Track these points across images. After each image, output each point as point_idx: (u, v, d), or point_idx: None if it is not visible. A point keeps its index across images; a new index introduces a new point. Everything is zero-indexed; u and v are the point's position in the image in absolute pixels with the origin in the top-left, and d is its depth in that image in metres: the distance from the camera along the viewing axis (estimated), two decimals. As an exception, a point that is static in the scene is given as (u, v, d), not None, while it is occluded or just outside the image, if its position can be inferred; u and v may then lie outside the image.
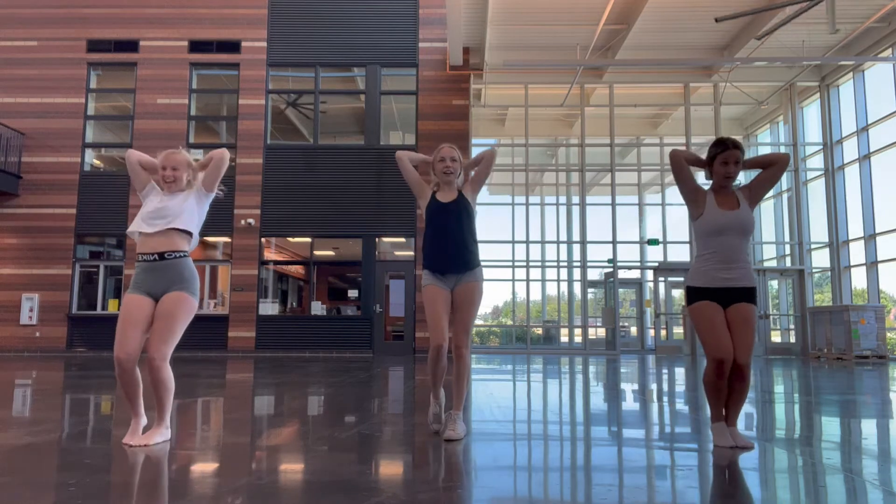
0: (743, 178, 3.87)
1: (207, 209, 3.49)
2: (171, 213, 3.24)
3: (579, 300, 17.05)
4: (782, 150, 16.14)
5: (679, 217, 16.49)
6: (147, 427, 3.32)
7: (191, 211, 3.31)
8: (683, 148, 3.11)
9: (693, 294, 3.33)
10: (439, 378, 3.61)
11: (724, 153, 3.29)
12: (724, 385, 3.23)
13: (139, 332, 3.15)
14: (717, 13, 10.79)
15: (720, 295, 3.27)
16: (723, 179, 3.32)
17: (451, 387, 3.60)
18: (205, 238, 14.11)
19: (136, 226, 3.26)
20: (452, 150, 3.66)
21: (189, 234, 3.32)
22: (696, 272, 3.34)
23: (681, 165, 3.40)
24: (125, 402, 3.33)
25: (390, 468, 2.72)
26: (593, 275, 16.55)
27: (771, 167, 3.35)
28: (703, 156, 3.43)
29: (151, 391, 3.21)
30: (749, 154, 17.78)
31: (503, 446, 3.22)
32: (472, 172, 3.77)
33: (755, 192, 3.37)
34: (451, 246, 3.51)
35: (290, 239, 14.94)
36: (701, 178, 3.64)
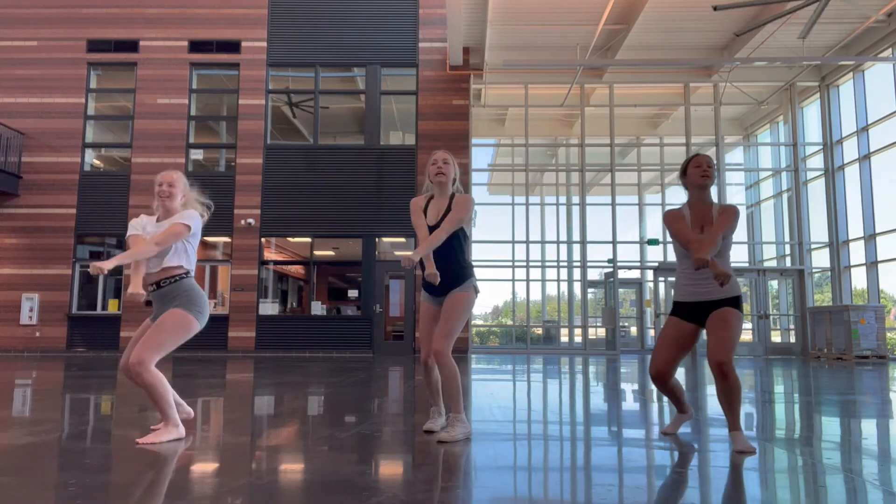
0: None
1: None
2: (162, 253, 3.39)
3: (579, 300, 17.04)
4: (782, 150, 16.18)
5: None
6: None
7: (180, 251, 3.45)
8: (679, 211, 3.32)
9: (672, 306, 3.51)
10: (434, 389, 3.69)
11: (696, 158, 3.44)
12: (665, 389, 3.50)
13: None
14: (716, 14, 10.77)
15: (694, 309, 3.36)
16: (699, 179, 3.38)
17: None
18: (205, 238, 14.09)
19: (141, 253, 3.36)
20: (446, 154, 3.69)
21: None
22: (675, 285, 3.52)
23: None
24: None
25: (390, 468, 2.72)
26: (593, 275, 16.54)
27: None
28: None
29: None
30: (750, 154, 17.80)
31: (503, 446, 3.22)
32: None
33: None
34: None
35: (290, 239, 14.94)
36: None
